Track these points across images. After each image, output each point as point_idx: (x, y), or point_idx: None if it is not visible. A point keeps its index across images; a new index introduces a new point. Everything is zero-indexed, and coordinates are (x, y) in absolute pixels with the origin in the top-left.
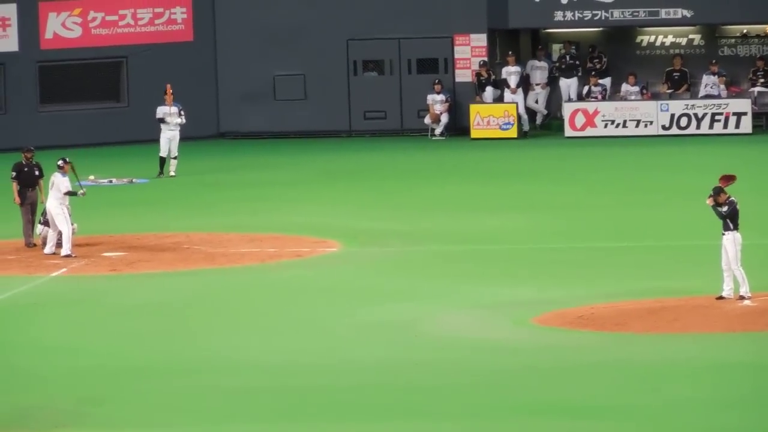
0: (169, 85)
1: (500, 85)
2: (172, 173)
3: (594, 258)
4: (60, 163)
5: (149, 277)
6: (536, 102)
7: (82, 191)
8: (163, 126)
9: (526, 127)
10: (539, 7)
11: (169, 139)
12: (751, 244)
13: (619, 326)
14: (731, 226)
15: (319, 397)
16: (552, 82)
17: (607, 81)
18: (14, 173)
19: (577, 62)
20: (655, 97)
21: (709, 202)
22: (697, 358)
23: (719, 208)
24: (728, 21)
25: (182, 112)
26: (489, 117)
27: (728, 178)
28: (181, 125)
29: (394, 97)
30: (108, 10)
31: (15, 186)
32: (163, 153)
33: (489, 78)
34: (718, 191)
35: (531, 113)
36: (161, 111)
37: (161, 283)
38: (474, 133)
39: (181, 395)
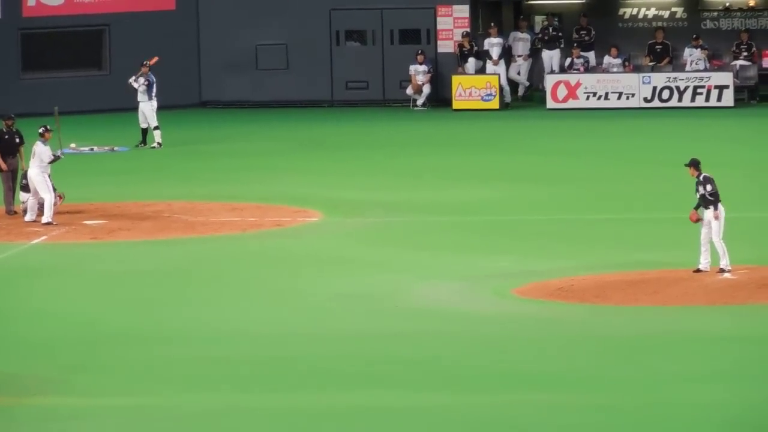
0: (148, 61)
1: (482, 56)
2: (158, 141)
3: (574, 230)
4: (41, 130)
5: (129, 245)
6: (518, 74)
7: (59, 152)
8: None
9: (507, 99)
10: None
11: (142, 110)
12: (731, 218)
13: (599, 298)
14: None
15: (298, 367)
16: (534, 54)
17: (591, 54)
18: None
19: (560, 34)
20: (637, 69)
21: (693, 218)
22: (678, 330)
23: (705, 190)
24: None
25: (150, 86)
26: (471, 88)
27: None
28: (149, 98)
29: (376, 68)
30: None
31: None
32: (141, 124)
33: (471, 49)
34: (697, 163)
35: (513, 85)
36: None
37: (141, 252)
38: (456, 104)
39: (161, 364)
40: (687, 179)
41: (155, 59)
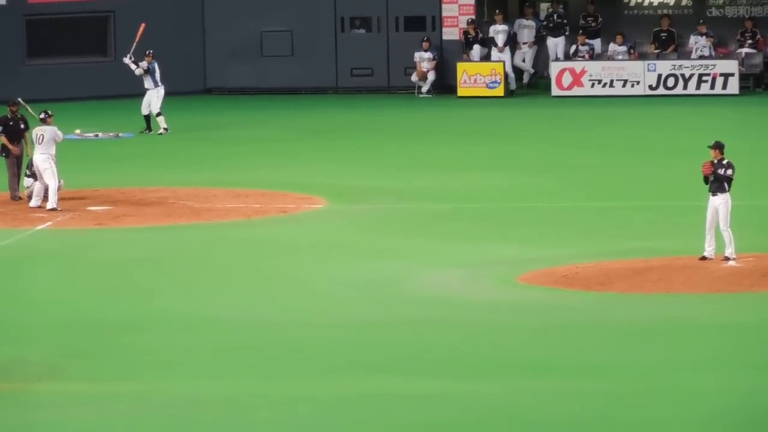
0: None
1: (487, 43)
2: (163, 127)
3: (579, 217)
4: (42, 116)
5: (134, 231)
6: (523, 61)
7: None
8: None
9: (512, 86)
10: None
11: (147, 97)
12: (737, 205)
13: (603, 286)
14: (727, 187)
15: (301, 354)
16: (539, 41)
17: (597, 42)
18: (0, 128)
19: (565, 21)
20: (643, 57)
21: (706, 169)
22: (682, 318)
23: (725, 172)
24: None
25: (150, 72)
26: (476, 75)
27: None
28: (155, 84)
29: (381, 55)
30: None
31: (5, 139)
32: (143, 111)
33: (476, 36)
34: (722, 146)
35: (518, 72)
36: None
37: (146, 238)
38: (461, 91)
39: (163, 350)
40: (691, 166)
41: (141, 27)
